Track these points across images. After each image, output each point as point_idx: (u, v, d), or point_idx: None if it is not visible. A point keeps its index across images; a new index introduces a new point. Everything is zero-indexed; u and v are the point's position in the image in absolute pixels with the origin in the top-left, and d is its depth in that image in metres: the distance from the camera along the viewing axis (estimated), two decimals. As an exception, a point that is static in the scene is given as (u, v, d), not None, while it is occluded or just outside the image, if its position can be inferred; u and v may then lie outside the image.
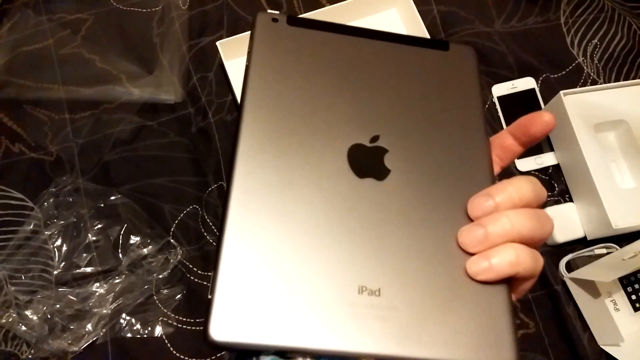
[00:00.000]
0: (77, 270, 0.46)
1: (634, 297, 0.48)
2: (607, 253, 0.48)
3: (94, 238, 0.47)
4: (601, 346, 0.47)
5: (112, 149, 0.50)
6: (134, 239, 0.47)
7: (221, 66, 0.51)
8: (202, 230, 0.48)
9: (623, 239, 0.50)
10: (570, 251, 0.49)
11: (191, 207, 0.49)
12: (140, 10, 0.55)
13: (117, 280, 0.46)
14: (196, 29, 0.54)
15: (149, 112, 0.51)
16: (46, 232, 0.47)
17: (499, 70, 0.55)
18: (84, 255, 0.46)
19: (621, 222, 0.46)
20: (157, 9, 0.55)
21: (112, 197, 0.48)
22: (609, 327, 0.46)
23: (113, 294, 0.45)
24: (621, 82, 0.51)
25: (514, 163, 0.52)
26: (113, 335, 0.45)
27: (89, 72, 0.52)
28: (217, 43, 0.50)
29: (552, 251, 0.49)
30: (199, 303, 0.46)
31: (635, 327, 0.47)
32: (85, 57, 0.53)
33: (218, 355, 0.46)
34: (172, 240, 0.47)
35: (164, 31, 0.54)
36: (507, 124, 0.53)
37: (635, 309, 0.47)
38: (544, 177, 0.52)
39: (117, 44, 0.53)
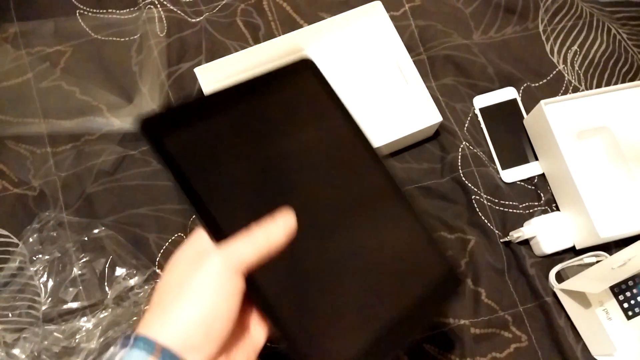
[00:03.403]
0: (64, 306, 0.46)
1: (625, 305, 0.47)
2: (597, 261, 0.48)
3: (80, 272, 0.47)
4: (595, 357, 0.46)
5: (95, 180, 0.50)
6: (120, 271, 0.47)
7: (201, 92, 0.51)
8: (188, 258, 0.48)
9: (613, 245, 0.50)
10: (559, 261, 0.49)
11: (176, 235, 0.49)
12: (118, 39, 0.55)
13: (103, 314, 0.45)
14: (175, 56, 0.54)
15: (131, 142, 0.51)
16: (32, 268, 0.47)
17: (479, 82, 0.55)
18: (70, 289, 0.46)
19: (608, 231, 0.46)
20: (135, 37, 0.55)
21: (96, 230, 0.48)
22: (601, 337, 0.46)
23: (101, 327, 0.45)
24: (602, 89, 0.51)
25: (499, 174, 0.52)
26: (101, 370, 0.44)
27: (70, 104, 0.52)
28: (195, 70, 0.50)
29: (542, 262, 0.49)
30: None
31: (628, 335, 0.46)
32: (65, 90, 0.53)
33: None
34: (158, 270, 0.47)
35: (142, 59, 0.54)
36: (490, 135, 0.53)
37: (628, 317, 0.47)
38: (529, 187, 0.52)
39: (96, 75, 0.53)
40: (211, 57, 0.54)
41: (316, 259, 0.24)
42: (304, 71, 0.26)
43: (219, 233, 0.23)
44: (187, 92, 0.53)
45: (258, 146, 0.25)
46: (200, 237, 0.25)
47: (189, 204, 0.24)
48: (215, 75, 0.51)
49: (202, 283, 0.23)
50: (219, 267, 0.23)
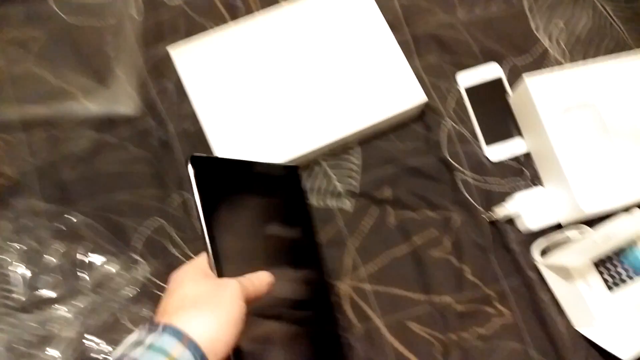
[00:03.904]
0: (41, 295, 0.45)
1: (607, 277, 0.47)
2: (580, 235, 0.48)
3: (57, 261, 0.46)
4: (576, 328, 0.46)
5: (71, 167, 0.48)
6: (98, 259, 0.46)
7: (177, 75, 0.50)
8: (167, 244, 0.47)
9: (598, 222, 0.49)
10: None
11: (155, 221, 0.48)
12: (93, 22, 0.53)
13: (82, 303, 0.45)
14: (152, 39, 0.53)
15: (108, 127, 0.50)
16: (7, 258, 0.46)
17: (463, 59, 0.54)
18: (48, 278, 0.45)
19: (591, 206, 0.46)
20: (111, 20, 0.53)
21: (73, 218, 0.46)
22: (582, 309, 0.46)
23: (80, 316, 0.44)
24: (585, 61, 0.50)
25: (484, 153, 0.51)
26: (82, 358, 0.44)
27: (43, 89, 0.51)
28: (170, 50, 0.48)
29: (527, 239, 0.49)
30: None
31: (610, 307, 0.46)
32: (39, 75, 0.51)
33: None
34: (136, 257, 0.46)
35: (119, 43, 0.52)
36: (475, 114, 0.52)
37: (609, 288, 0.47)
38: (514, 165, 0.51)
39: (71, 59, 0.52)
40: (189, 39, 0.52)
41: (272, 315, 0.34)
42: (293, 173, 0.42)
43: (220, 270, 0.31)
44: (166, 77, 0.52)
45: (253, 210, 0.36)
46: (202, 260, 0.31)
47: (205, 234, 0.31)
48: (192, 57, 0.50)
49: (231, 300, 0.28)
50: (239, 292, 0.28)
